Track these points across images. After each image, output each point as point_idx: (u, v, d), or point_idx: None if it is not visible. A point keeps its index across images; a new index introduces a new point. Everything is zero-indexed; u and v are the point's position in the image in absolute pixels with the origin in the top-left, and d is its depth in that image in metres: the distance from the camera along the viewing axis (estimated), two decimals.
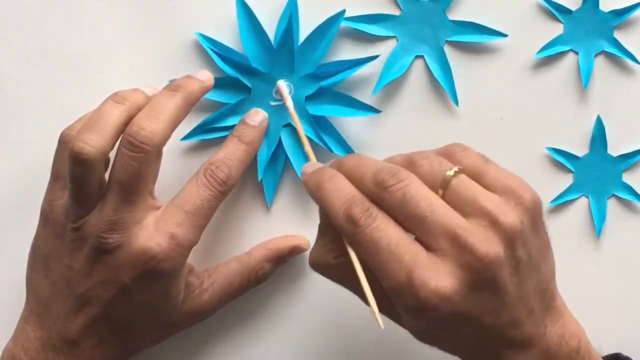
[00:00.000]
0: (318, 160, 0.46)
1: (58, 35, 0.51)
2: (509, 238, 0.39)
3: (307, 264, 0.44)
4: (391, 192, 0.39)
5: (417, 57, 0.51)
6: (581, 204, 0.54)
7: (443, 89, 0.52)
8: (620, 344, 0.54)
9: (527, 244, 0.41)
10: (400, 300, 0.39)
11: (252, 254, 0.51)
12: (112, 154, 0.45)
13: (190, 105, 0.46)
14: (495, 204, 0.40)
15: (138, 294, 0.45)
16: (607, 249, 0.54)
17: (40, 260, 0.47)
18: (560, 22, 0.52)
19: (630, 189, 0.53)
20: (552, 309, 0.43)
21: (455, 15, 0.51)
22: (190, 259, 0.47)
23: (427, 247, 0.39)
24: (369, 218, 0.39)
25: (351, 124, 0.52)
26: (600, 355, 0.45)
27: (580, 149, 0.53)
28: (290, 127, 0.51)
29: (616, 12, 0.52)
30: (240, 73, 0.50)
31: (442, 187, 0.40)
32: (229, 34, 0.51)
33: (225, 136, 0.51)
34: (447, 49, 0.52)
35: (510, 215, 0.39)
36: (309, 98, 0.51)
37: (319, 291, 0.53)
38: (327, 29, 0.50)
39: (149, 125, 0.44)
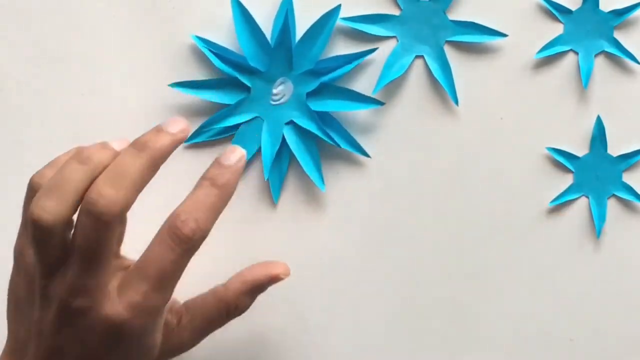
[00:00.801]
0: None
1: (58, 35, 0.51)
2: None
3: None
4: None
5: (417, 57, 0.51)
6: (581, 204, 0.54)
7: (443, 88, 0.52)
8: (621, 344, 0.54)
9: None
10: None
11: (229, 287, 0.49)
12: None
13: (158, 164, 0.42)
14: None
15: (108, 354, 0.43)
16: (607, 249, 0.54)
17: (14, 304, 0.46)
18: (560, 22, 0.52)
19: (630, 189, 0.53)
20: None
21: (455, 15, 0.51)
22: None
23: None
24: None
25: (350, 126, 0.52)
26: None
27: (580, 149, 0.53)
28: (292, 124, 0.51)
29: (616, 12, 0.52)
30: (239, 73, 0.50)
31: None
32: (226, 34, 0.51)
33: (226, 137, 0.51)
34: (447, 49, 0.52)
35: None
36: (310, 94, 0.51)
37: None
38: (324, 24, 0.50)
39: (108, 193, 0.41)
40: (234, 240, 0.52)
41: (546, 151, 0.53)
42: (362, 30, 0.51)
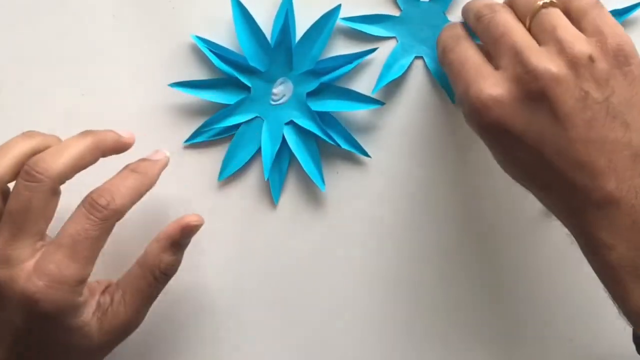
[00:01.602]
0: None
1: (58, 35, 0.51)
2: (573, 65, 0.40)
3: None
4: (481, 21, 0.44)
5: (416, 57, 0.51)
6: None
7: (442, 89, 0.52)
8: (621, 344, 0.54)
9: (601, 83, 0.41)
10: (462, 109, 0.43)
11: (148, 251, 0.47)
12: None
13: (100, 151, 0.45)
14: (570, 35, 0.41)
15: (35, 333, 0.43)
16: None
17: None
18: None
19: None
20: None
21: (455, 15, 0.51)
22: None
23: (496, 67, 0.42)
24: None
25: (350, 126, 0.52)
26: None
27: None
28: (292, 124, 0.51)
29: (616, 12, 0.52)
30: (239, 72, 0.50)
31: (530, 17, 0.43)
32: (226, 34, 0.51)
33: (226, 137, 0.51)
34: None
35: (579, 45, 0.41)
36: (310, 95, 0.51)
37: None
38: (324, 24, 0.50)
39: (47, 159, 0.43)
40: (234, 240, 0.52)
41: None
42: (362, 30, 0.51)
